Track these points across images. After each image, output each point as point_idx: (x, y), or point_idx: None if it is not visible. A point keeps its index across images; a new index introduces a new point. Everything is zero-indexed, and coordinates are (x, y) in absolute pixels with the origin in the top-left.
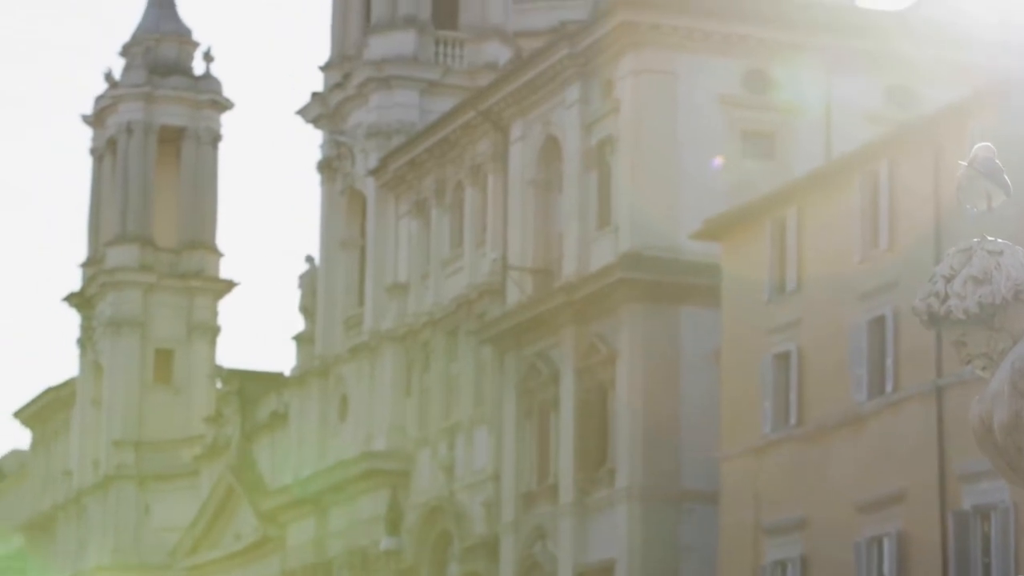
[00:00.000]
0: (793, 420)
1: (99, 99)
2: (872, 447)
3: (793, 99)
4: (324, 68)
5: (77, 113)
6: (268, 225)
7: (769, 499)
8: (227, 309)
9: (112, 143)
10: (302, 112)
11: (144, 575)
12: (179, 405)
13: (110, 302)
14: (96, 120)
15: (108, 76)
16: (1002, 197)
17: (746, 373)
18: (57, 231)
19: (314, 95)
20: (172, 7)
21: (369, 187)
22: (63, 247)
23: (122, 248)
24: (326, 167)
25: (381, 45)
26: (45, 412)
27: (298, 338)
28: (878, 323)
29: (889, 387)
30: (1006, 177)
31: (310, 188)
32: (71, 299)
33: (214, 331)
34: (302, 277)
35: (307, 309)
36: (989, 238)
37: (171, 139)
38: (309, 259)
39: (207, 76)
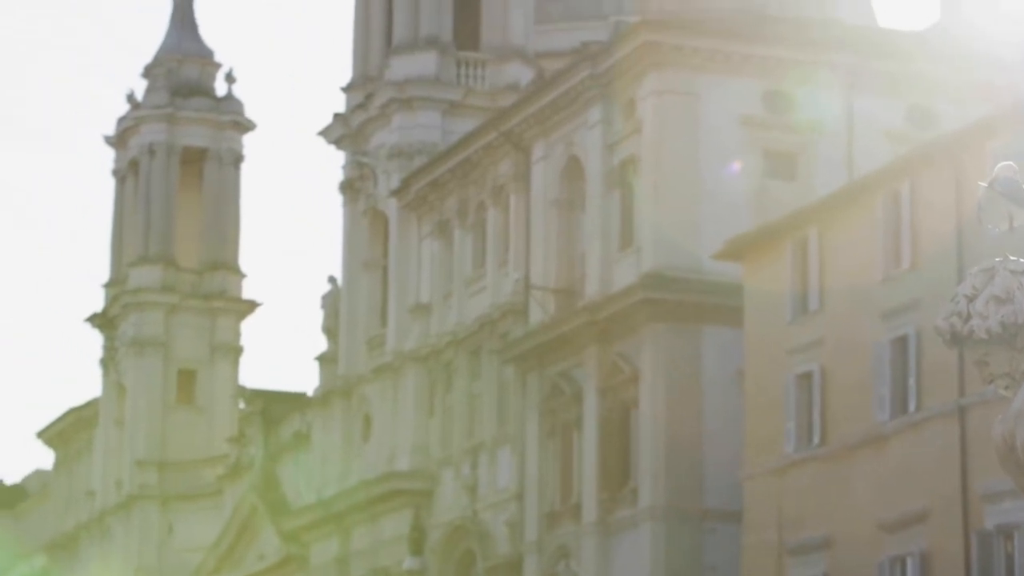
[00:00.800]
0: (816, 440)
1: (121, 120)
2: (895, 466)
3: (814, 119)
4: (346, 89)
5: (99, 134)
6: (291, 246)
7: (792, 518)
8: (250, 329)
9: (134, 164)
10: (324, 133)
11: None
12: (202, 425)
13: (133, 323)
14: (118, 141)
15: (130, 97)
16: (1023, 217)
17: (769, 393)
18: (80, 252)
19: (336, 116)
20: (194, 28)
21: (391, 208)
22: (86, 268)
23: (145, 269)
24: (348, 188)
25: (403, 66)
26: (68, 432)
27: (321, 358)
28: (900, 342)
29: (912, 406)
30: None
31: (332, 209)
32: (94, 320)
33: (237, 351)
34: (325, 298)
35: (330, 329)
36: (1011, 258)
37: (193, 160)
38: (332, 280)
39: (229, 97)
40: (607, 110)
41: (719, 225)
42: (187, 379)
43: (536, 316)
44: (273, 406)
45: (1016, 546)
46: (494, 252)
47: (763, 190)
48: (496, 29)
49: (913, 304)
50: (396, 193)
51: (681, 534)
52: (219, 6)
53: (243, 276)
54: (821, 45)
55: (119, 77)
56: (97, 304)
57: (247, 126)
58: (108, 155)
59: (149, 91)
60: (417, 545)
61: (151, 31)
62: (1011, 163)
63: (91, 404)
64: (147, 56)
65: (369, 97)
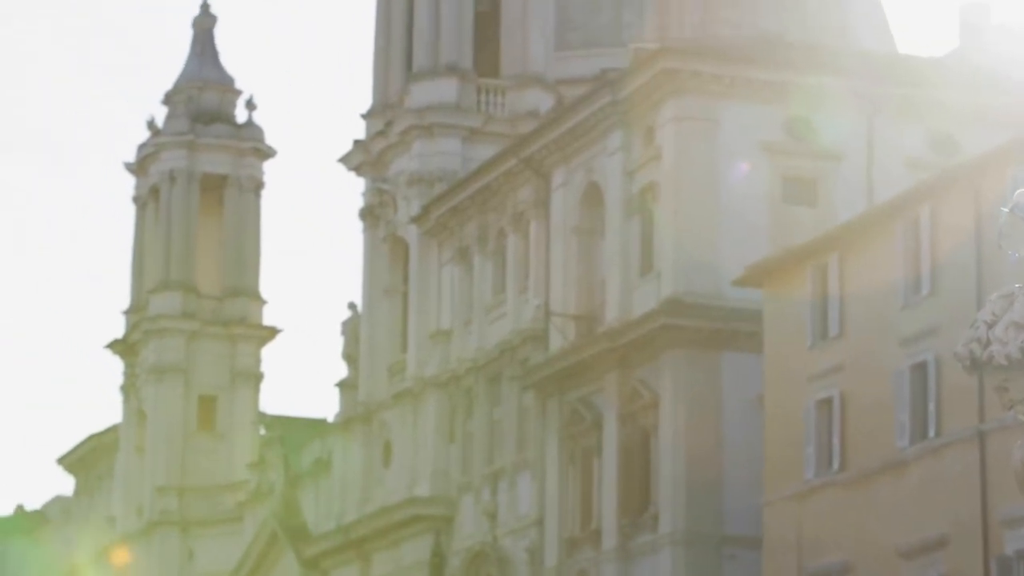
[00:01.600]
0: (836, 465)
1: (142, 147)
2: (915, 492)
3: (834, 145)
4: (366, 116)
5: (120, 161)
6: (311, 272)
7: (812, 544)
8: (270, 356)
9: (155, 191)
10: (344, 160)
11: None
12: (222, 451)
13: (153, 349)
14: (139, 168)
15: (151, 124)
16: None
17: (789, 418)
18: (100, 278)
19: (356, 143)
20: (215, 55)
21: (411, 234)
22: (106, 294)
23: (165, 295)
24: (368, 214)
25: (423, 93)
26: (89, 458)
27: (341, 384)
28: (920, 368)
29: (931, 432)
30: None
31: (353, 235)
32: (114, 346)
33: (257, 378)
34: (345, 324)
35: (350, 356)
36: None
37: (214, 187)
38: (352, 306)
39: (249, 124)
40: (627, 137)
41: (739, 251)
42: (207, 405)
43: (556, 342)
44: (293, 432)
45: None
46: (514, 278)
47: (783, 216)
48: (516, 56)
49: (933, 330)
50: (416, 220)
51: (701, 560)
52: (239, 33)
53: (263, 302)
54: (841, 71)
55: (139, 104)
56: (118, 330)
57: (267, 153)
58: (128, 182)
59: (169, 118)
60: (437, 571)
61: (171, 58)
62: None
63: (112, 430)
64: (167, 83)
65: (389, 124)
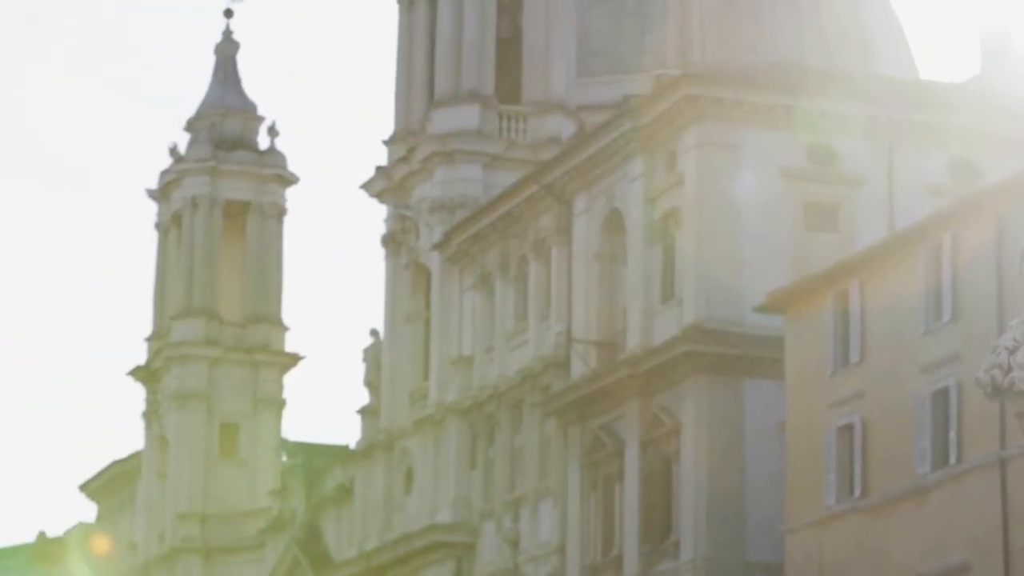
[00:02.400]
0: (857, 492)
1: (164, 173)
2: (936, 519)
3: (856, 171)
4: (388, 142)
5: (142, 188)
6: (333, 299)
7: (834, 571)
8: (292, 382)
9: (177, 217)
10: (366, 186)
11: None
12: (244, 478)
13: (175, 376)
14: (161, 194)
15: (173, 151)
16: None
17: (810, 445)
18: (122, 305)
19: (378, 169)
20: (237, 82)
21: (433, 261)
22: (128, 321)
23: (187, 322)
24: (390, 241)
25: (445, 119)
26: (111, 485)
27: (363, 411)
28: (941, 395)
29: (953, 459)
30: None
31: (375, 262)
32: (136, 373)
33: (279, 404)
34: (367, 351)
35: (372, 382)
36: None
37: (236, 213)
38: (374, 333)
39: (272, 150)
40: (648, 163)
41: (761, 277)
42: (230, 432)
43: (578, 369)
44: (315, 459)
45: None
46: (536, 305)
47: (804, 242)
48: (538, 82)
49: (954, 356)
50: (438, 246)
51: None
52: (262, 60)
53: (286, 329)
54: (862, 97)
55: (162, 130)
56: (140, 357)
57: (290, 179)
58: (151, 208)
59: (192, 144)
60: None
61: (194, 84)
62: None
63: (134, 457)
64: (190, 109)
65: (411, 150)
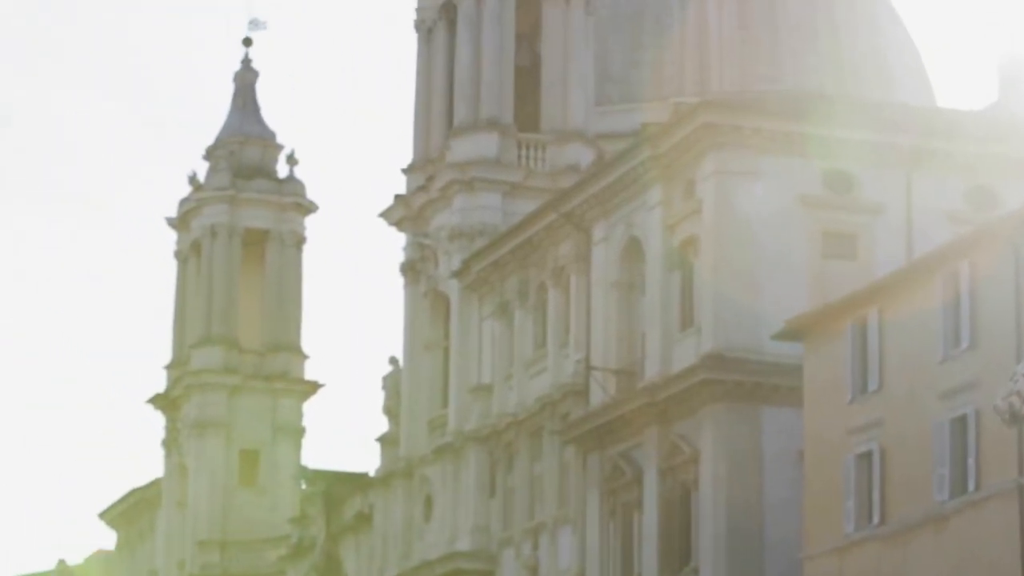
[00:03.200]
0: (876, 519)
1: (183, 202)
2: (955, 546)
3: (874, 199)
4: (407, 170)
5: (161, 216)
6: (352, 327)
7: None
8: (312, 410)
9: (197, 246)
10: (385, 215)
11: None
12: (264, 506)
13: (195, 404)
14: (180, 223)
15: (192, 179)
16: None
17: (829, 473)
18: (142, 333)
19: (397, 197)
20: (256, 110)
21: (452, 289)
22: (147, 349)
23: (207, 350)
24: (409, 269)
25: (464, 147)
26: (131, 513)
27: (382, 439)
28: (960, 422)
29: (971, 486)
30: None
31: (394, 290)
32: (156, 401)
33: (299, 432)
34: (386, 378)
35: (391, 410)
36: None
37: (255, 242)
38: (393, 361)
39: (291, 179)
40: (667, 191)
41: (779, 305)
42: (249, 460)
43: (597, 397)
44: (335, 487)
45: None
46: (555, 333)
47: (823, 270)
48: (556, 111)
49: (972, 384)
50: (457, 274)
51: None
52: (281, 88)
53: (305, 357)
54: (880, 125)
55: (181, 158)
56: (159, 385)
57: (309, 208)
58: (170, 237)
59: (211, 173)
60: None
61: (213, 113)
62: None
63: (153, 485)
64: (209, 138)
65: (430, 179)
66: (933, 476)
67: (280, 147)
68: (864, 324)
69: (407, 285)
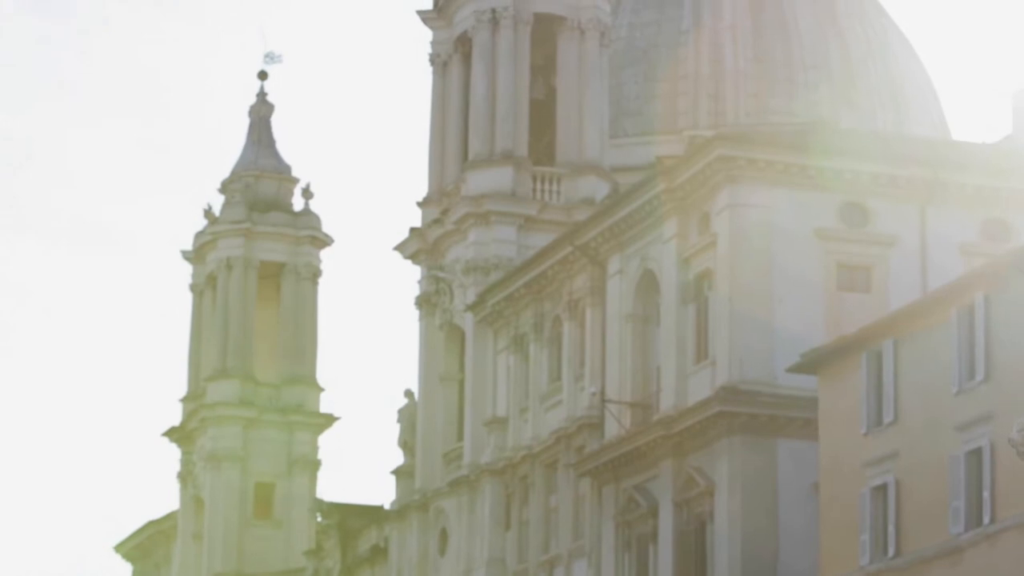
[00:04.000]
0: (891, 552)
1: (199, 235)
2: None
3: (889, 232)
4: (422, 204)
5: (177, 249)
6: (368, 360)
7: None
8: (327, 443)
9: (212, 279)
10: (400, 248)
11: None
12: (279, 539)
13: (211, 436)
14: (196, 256)
15: (208, 212)
16: None
17: (844, 505)
18: (157, 366)
19: (412, 231)
20: (271, 144)
21: (467, 322)
22: (163, 382)
23: (222, 383)
24: (424, 302)
25: (479, 180)
26: (146, 546)
27: (398, 472)
28: (975, 455)
29: (987, 519)
30: None
31: (409, 323)
32: (172, 434)
33: (314, 465)
34: (401, 411)
35: (406, 443)
36: None
37: (271, 275)
38: (408, 394)
39: (306, 212)
40: (682, 224)
41: (794, 338)
42: (265, 493)
43: (612, 430)
44: (350, 520)
45: None
46: (570, 366)
47: (837, 303)
48: (571, 143)
49: (987, 416)
50: (472, 307)
51: None
52: (296, 121)
53: (321, 390)
54: (895, 158)
55: (196, 192)
56: (175, 418)
57: (324, 241)
58: (185, 270)
59: (226, 206)
60: None
61: (228, 146)
62: None
63: (169, 517)
64: (224, 171)
65: (445, 212)
66: (948, 508)
67: (295, 180)
68: (879, 356)
69: (422, 318)
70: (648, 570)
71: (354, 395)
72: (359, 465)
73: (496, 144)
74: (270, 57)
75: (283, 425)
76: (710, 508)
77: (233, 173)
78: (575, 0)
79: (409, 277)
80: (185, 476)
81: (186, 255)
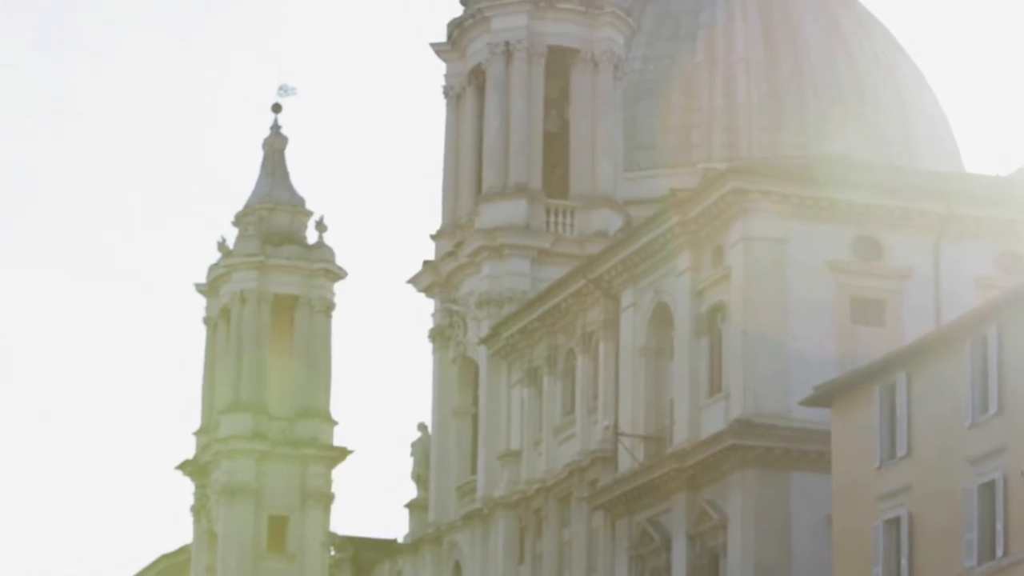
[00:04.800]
0: None
1: (212, 268)
2: None
3: (902, 265)
4: (436, 237)
5: (190, 282)
6: (381, 393)
7: None
8: (341, 477)
9: (226, 312)
10: (414, 281)
11: None
12: (293, 572)
13: (224, 470)
14: (210, 289)
15: (221, 245)
16: None
17: (857, 538)
18: (170, 399)
19: (426, 263)
20: (285, 176)
21: (481, 355)
22: (176, 415)
23: (236, 416)
24: (438, 335)
25: (492, 213)
26: None
27: (411, 505)
28: (988, 488)
29: (1000, 552)
30: None
31: (422, 356)
32: (185, 467)
33: (328, 499)
34: (415, 445)
35: (420, 477)
36: None
37: (285, 308)
38: (422, 427)
39: (320, 245)
40: (695, 257)
41: (807, 371)
42: (278, 526)
43: (625, 463)
44: (364, 553)
45: None
46: (583, 399)
47: (851, 336)
48: (585, 176)
49: (1001, 449)
50: (486, 340)
51: None
52: (310, 154)
53: (334, 423)
54: (908, 191)
55: (210, 224)
56: (188, 451)
57: (338, 274)
58: (199, 303)
59: (240, 239)
60: None
61: (242, 179)
62: None
63: (183, 551)
64: (238, 204)
65: (459, 245)
66: (961, 541)
67: (309, 213)
68: (892, 390)
69: (436, 351)
70: None
71: (367, 428)
72: (373, 498)
73: (510, 177)
74: (284, 90)
75: (296, 458)
76: (723, 541)
77: (247, 206)
78: (589, 33)
79: (423, 310)
80: (199, 509)
81: (200, 288)
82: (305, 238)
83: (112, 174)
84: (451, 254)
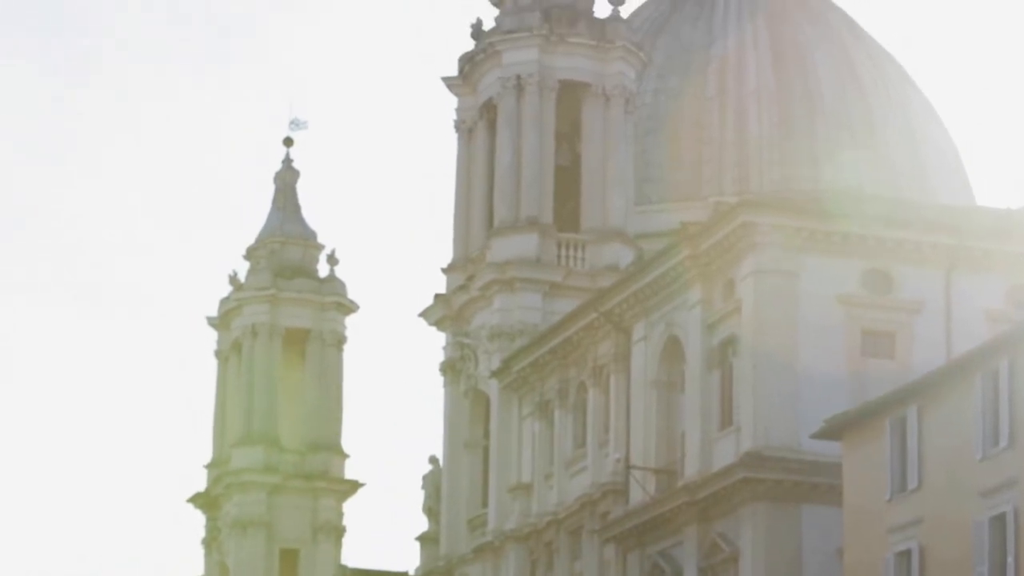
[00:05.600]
0: None
1: (224, 301)
2: None
3: (913, 298)
4: (447, 270)
5: (202, 315)
6: (392, 426)
7: None
8: (352, 509)
9: (237, 345)
10: (425, 314)
11: None
12: None
13: (235, 503)
14: (221, 322)
15: (233, 278)
16: None
17: (868, 571)
18: (182, 432)
19: (437, 297)
20: (297, 210)
21: (492, 388)
22: (188, 448)
23: (247, 449)
24: (449, 368)
25: (504, 247)
26: None
27: (422, 538)
28: (999, 520)
29: None
30: None
31: (434, 389)
32: (196, 500)
33: (339, 531)
34: (426, 478)
35: (431, 509)
36: None
37: (296, 341)
38: (433, 460)
39: (331, 278)
40: (706, 290)
41: (818, 404)
42: (289, 559)
43: (636, 496)
44: None
45: None
46: (594, 432)
47: (862, 369)
48: (596, 210)
49: (1012, 482)
50: (497, 374)
51: None
52: (321, 188)
53: (346, 456)
54: (919, 224)
55: (221, 258)
56: (200, 484)
57: (350, 307)
58: (210, 336)
59: (251, 272)
60: None
61: (253, 212)
62: None
63: None
64: (250, 237)
65: (470, 278)
66: (972, 574)
67: (321, 247)
68: (903, 423)
69: (447, 384)
70: None
71: (379, 461)
72: (384, 531)
73: (521, 210)
74: (295, 123)
75: (308, 491)
76: (735, 574)
77: (258, 239)
78: (600, 67)
79: (434, 343)
80: (210, 542)
81: (211, 321)
82: (317, 271)
83: (124, 207)
84: (462, 287)
